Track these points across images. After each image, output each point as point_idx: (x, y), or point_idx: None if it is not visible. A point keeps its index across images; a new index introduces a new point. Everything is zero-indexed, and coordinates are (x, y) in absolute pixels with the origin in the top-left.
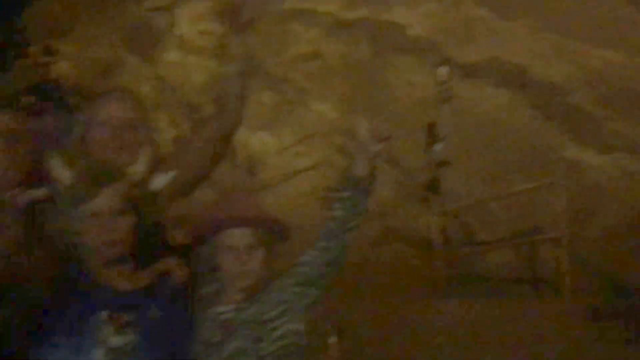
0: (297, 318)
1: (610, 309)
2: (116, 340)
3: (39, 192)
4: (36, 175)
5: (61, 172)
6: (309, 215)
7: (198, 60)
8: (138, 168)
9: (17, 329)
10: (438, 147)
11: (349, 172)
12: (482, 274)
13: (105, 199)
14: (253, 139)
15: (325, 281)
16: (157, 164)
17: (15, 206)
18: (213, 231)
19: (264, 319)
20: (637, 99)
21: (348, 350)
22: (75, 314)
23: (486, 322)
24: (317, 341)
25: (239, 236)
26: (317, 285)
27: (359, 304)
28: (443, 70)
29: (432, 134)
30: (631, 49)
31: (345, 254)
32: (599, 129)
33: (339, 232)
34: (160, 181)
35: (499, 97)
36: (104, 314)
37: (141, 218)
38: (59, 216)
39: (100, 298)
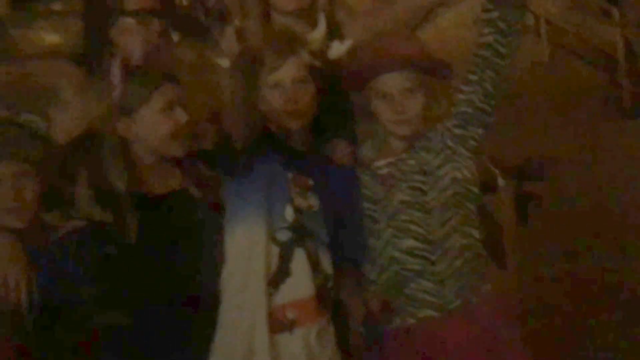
0: (462, 164)
1: None
2: (300, 202)
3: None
4: None
5: (232, 44)
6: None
7: None
8: (316, 35)
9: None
10: None
11: None
12: None
13: (289, 69)
14: None
15: (485, 117)
16: (334, 30)
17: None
18: (366, 77)
19: (427, 169)
20: None
21: (523, 194)
22: (267, 170)
23: None
24: (487, 186)
25: (394, 81)
26: (478, 124)
27: (529, 137)
28: None
29: None
30: None
31: (503, 84)
32: None
33: (492, 61)
34: (338, 50)
35: None
36: (289, 175)
37: (322, 88)
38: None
39: (287, 158)
